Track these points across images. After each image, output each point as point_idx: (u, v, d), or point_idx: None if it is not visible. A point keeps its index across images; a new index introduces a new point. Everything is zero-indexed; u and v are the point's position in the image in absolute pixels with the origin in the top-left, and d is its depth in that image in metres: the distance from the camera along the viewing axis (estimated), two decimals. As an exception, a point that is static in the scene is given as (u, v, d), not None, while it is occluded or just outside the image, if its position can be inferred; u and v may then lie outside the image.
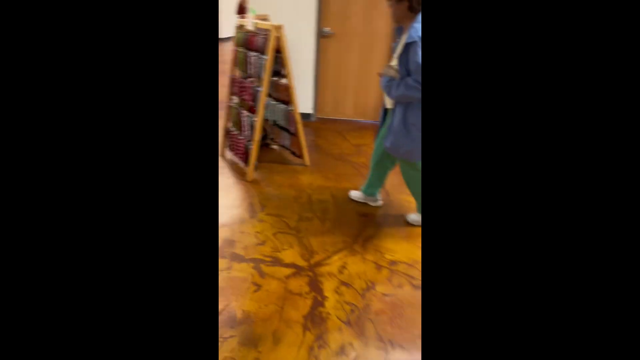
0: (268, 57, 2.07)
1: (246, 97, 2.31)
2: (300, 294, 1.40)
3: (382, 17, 3.15)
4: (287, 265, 1.55)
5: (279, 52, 2.15)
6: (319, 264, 1.58)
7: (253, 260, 1.58)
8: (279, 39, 2.08)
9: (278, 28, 2.04)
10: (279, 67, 2.19)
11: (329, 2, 3.16)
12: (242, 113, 2.36)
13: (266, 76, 2.11)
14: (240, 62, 2.34)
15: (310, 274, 1.51)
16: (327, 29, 3.26)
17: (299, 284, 1.45)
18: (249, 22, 2.21)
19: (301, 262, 1.58)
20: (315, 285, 1.45)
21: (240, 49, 2.33)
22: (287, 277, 1.49)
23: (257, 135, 2.24)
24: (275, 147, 2.84)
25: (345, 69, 3.41)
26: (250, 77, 2.35)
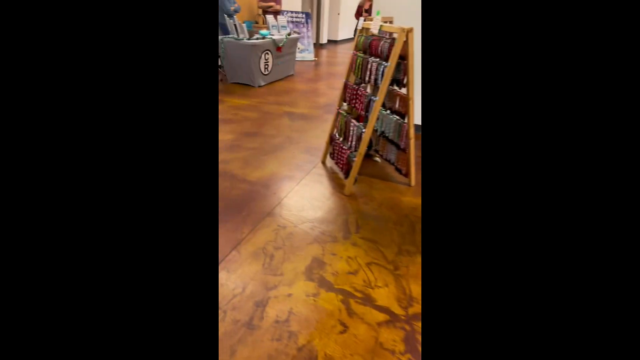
0: (390, 64, 1.86)
1: (358, 105, 2.16)
2: (392, 351, 1.16)
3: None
4: (380, 309, 1.33)
5: (402, 58, 1.91)
6: (418, 317, 1.30)
7: (342, 291, 1.41)
8: (406, 44, 1.84)
9: (408, 31, 1.81)
10: (400, 75, 1.96)
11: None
12: (350, 122, 2.22)
13: (384, 85, 1.91)
14: (358, 67, 2.19)
15: (406, 327, 1.26)
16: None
17: (393, 338, 1.21)
18: (374, 25, 2.04)
19: (397, 309, 1.33)
20: (412, 345, 1.19)
21: (360, 54, 2.18)
22: (379, 324, 1.26)
23: (363, 148, 2.06)
24: (377, 159, 2.63)
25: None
26: (365, 84, 2.18)
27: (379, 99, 1.95)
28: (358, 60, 2.19)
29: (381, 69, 1.94)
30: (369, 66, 2.04)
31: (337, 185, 2.26)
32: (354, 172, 2.11)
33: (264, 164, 2.50)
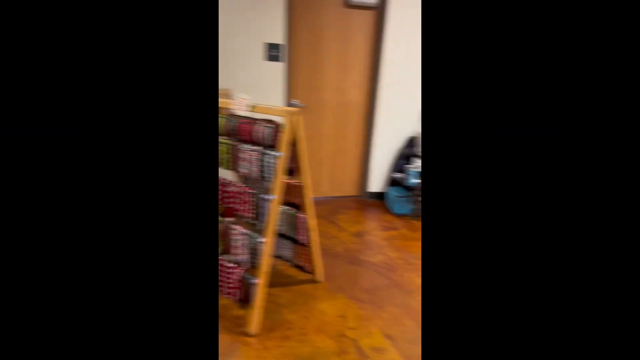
0: (282, 154, 1.44)
1: (241, 207, 1.57)
2: None
3: (355, 87, 2.90)
4: None
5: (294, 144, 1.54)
6: None
7: None
8: (295, 129, 1.48)
9: (295, 115, 1.46)
10: (291, 164, 1.57)
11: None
12: (231, 229, 1.58)
13: (279, 178, 1.46)
14: (224, 157, 1.62)
15: None
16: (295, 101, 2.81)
17: None
18: (239, 105, 1.56)
19: None
20: None
21: (224, 139, 1.63)
22: None
23: (266, 264, 1.49)
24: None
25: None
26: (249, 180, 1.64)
27: (276, 196, 1.47)
28: (222, 148, 1.62)
29: (267, 160, 1.48)
30: (246, 156, 1.53)
31: (233, 324, 1.53)
32: (258, 300, 1.48)
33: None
